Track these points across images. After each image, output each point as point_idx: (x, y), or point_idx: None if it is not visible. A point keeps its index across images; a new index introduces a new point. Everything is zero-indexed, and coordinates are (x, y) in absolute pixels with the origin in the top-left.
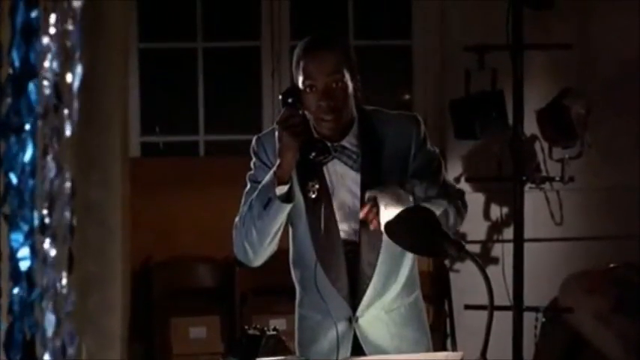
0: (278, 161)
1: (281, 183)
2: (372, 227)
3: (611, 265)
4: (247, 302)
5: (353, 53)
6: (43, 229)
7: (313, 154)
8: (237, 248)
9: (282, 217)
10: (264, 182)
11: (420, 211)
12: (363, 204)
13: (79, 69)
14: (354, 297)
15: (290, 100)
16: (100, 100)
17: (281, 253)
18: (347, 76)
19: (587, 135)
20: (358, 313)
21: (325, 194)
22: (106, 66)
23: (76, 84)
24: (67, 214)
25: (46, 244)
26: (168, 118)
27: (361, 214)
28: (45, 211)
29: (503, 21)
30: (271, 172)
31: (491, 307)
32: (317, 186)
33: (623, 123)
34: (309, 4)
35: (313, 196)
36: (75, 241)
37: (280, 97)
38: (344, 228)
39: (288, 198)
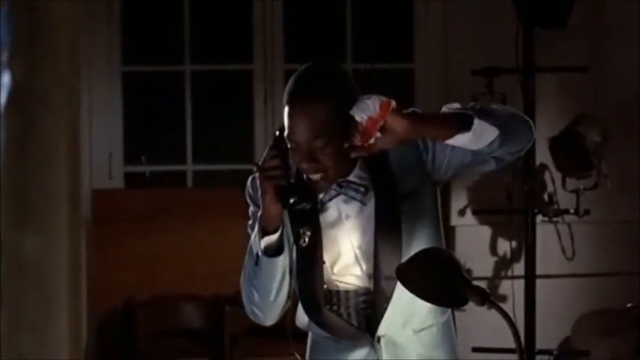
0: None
1: (267, 233)
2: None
3: (629, 305)
4: (238, 344)
5: (349, 84)
6: None
7: (292, 200)
8: (247, 311)
9: (278, 271)
10: (252, 237)
11: (437, 253)
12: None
13: (6, 79)
14: (374, 316)
15: (277, 135)
16: (39, 123)
17: None
18: (336, 132)
19: (603, 165)
20: (380, 332)
21: (318, 243)
22: (48, 78)
23: (3, 99)
24: None
25: None
26: (154, 147)
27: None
28: None
29: (512, 43)
30: (257, 223)
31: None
32: (309, 233)
33: None
34: (305, 24)
35: (304, 244)
36: (3, 316)
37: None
38: (356, 272)
39: (278, 250)
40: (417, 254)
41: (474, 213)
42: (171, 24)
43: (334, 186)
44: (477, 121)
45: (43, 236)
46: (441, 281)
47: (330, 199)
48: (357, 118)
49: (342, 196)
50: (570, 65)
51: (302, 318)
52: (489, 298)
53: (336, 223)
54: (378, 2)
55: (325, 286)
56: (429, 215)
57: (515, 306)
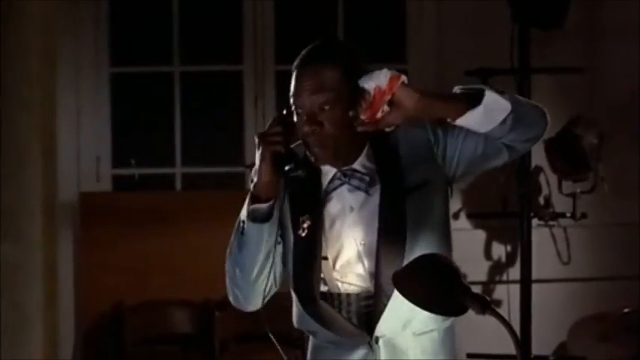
0: (255, 177)
1: (257, 201)
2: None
3: (626, 310)
4: (228, 350)
5: (359, 58)
6: None
7: (287, 167)
8: (229, 293)
9: (263, 243)
10: (242, 209)
11: (434, 260)
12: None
13: None
14: (373, 316)
15: (284, 112)
16: (11, 123)
17: None
18: (342, 96)
19: (600, 167)
20: (378, 332)
21: (317, 234)
22: (19, 75)
23: None
24: None
25: None
26: (142, 149)
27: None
28: None
29: (507, 43)
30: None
31: None
32: (308, 222)
33: (639, 154)
34: (296, 24)
35: (302, 234)
36: None
37: None
38: (358, 271)
39: (267, 217)
40: (414, 261)
41: (469, 217)
42: (159, 24)
43: (338, 174)
44: (488, 94)
45: (15, 246)
46: (439, 289)
47: (334, 189)
48: (365, 86)
49: (346, 186)
50: (566, 66)
51: (298, 315)
52: (490, 306)
53: (339, 215)
54: (370, 2)
55: (326, 287)
56: (436, 211)
57: (511, 311)
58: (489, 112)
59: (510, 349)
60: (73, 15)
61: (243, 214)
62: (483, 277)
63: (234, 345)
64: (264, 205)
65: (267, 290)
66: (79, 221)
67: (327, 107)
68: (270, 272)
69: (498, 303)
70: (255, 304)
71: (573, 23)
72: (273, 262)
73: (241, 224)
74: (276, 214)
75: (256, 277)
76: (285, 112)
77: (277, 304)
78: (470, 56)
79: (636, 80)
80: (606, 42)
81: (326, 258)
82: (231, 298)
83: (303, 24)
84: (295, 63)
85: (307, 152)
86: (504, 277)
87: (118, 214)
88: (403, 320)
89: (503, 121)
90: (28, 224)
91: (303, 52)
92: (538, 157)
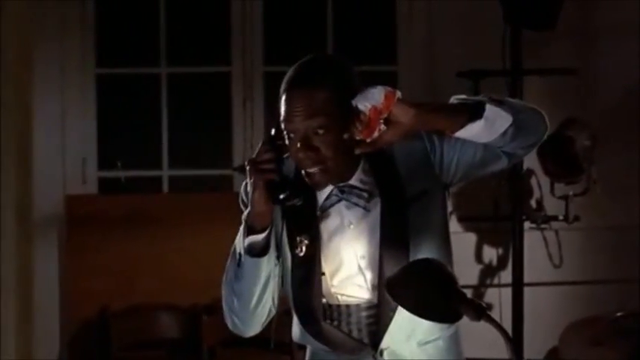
0: (249, 207)
1: (253, 232)
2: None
3: (618, 314)
4: (216, 355)
5: (352, 75)
6: None
7: (282, 195)
8: (226, 319)
9: (261, 275)
10: (237, 236)
11: (428, 265)
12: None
13: None
14: (377, 327)
15: (272, 133)
16: None
17: None
18: (336, 118)
19: (593, 169)
20: (383, 344)
21: (316, 252)
22: None
23: None
24: None
25: None
26: (129, 151)
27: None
28: None
29: (499, 44)
30: (243, 221)
31: None
32: (306, 241)
33: (632, 156)
34: (285, 26)
35: (301, 254)
36: None
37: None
38: (359, 282)
39: (263, 250)
40: (407, 266)
41: (460, 220)
42: (146, 25)
43: (335, 191)
44: (489, 107)
45: None
46: (434, 295)
47: (332, 205)
48: (360, 106)
49: (344, 202)
50: (559, 67)
51: (298, 331)
52: (485, 312)
53: (338, 230)
54: (359, 3)
55: (324, 300)
56: (436, 219)
57: (502, 314)
58: (490, 125)
59: (501, 353)
60: (58, 15)
61: (239, 245)
62: (475, 281)
63: (221, 350)
64: (260, 238)
65: (266, 316)
66: (64, 224)
67: (321, 131)
68: (270, 299)
69: (490, 307)
70: (254, 330)
71: (566, 24)
72: (272, 288)
73: (237, 255)
74: (272, 241)
75: (255, 306)
76: (273, 132)
77: None
78: (461, 57)
79: (629, 82)
80: (599, 43)
81: (323, 274)
82: (229, 324)
83: (292, 25)
84: (284, 85)
85: (303, 175)
86: (496, 281)
87: (104, 217)
88: (407, 332)
89: (504, 132)
90: (2, 230)
91: (292, 73)
92: (530, 159)
